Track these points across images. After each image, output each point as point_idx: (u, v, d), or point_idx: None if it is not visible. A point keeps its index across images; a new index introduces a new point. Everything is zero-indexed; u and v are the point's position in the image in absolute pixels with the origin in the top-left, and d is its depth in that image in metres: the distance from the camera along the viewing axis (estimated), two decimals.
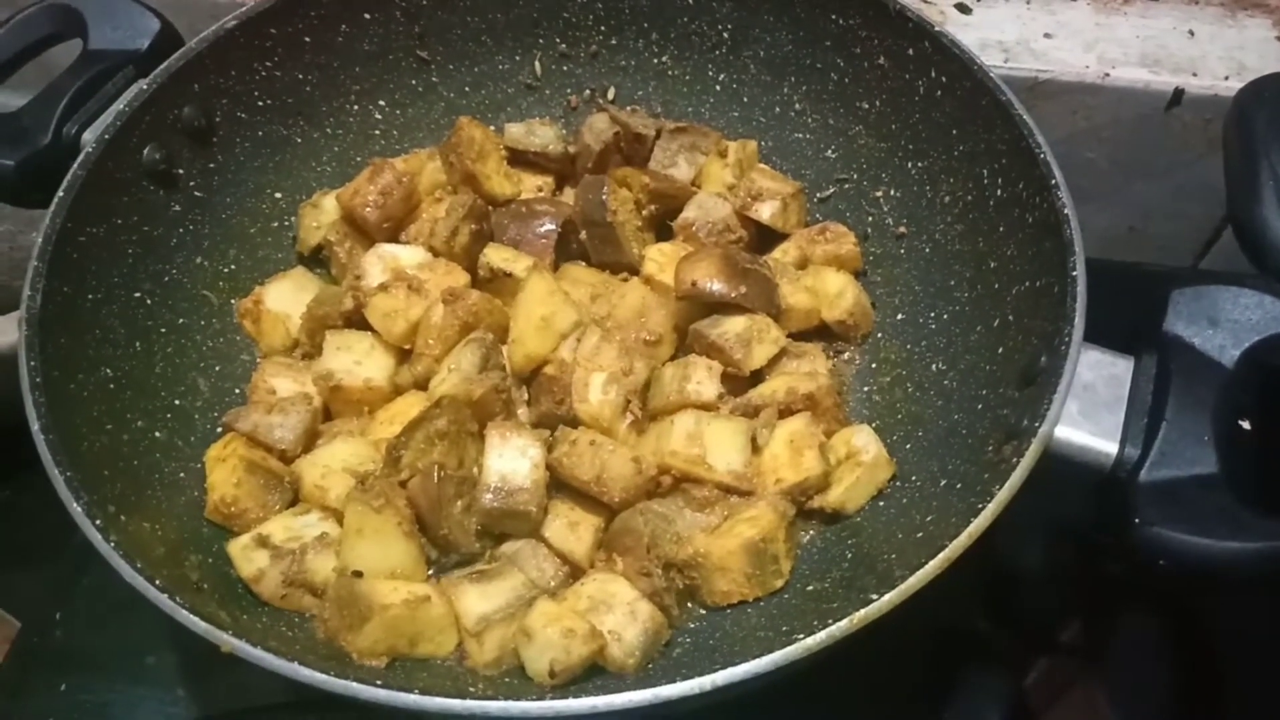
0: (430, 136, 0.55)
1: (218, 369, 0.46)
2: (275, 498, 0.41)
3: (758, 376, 0.45)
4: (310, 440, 0.43)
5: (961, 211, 0.46)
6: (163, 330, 0.45)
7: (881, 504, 0.43)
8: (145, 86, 0.46)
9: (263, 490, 0.40)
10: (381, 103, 0.53)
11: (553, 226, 0.49)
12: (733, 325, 0.44)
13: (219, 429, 0.44)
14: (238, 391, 0.46)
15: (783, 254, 0.49)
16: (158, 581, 0.34)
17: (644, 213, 0.50)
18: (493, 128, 0.53)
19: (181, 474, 0.42)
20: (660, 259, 0.47)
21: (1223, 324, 0.37)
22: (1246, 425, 0.45)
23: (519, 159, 0.53)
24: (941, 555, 0.33)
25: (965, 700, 0.47)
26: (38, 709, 0.46)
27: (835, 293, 0.47)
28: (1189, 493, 0.34)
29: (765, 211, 0.49)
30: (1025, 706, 0.48)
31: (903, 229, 0.49)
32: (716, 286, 0.45)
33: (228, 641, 0.32)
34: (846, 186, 0.52)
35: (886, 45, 0.48)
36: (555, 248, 0.48)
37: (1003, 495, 0.34)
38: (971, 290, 0.45)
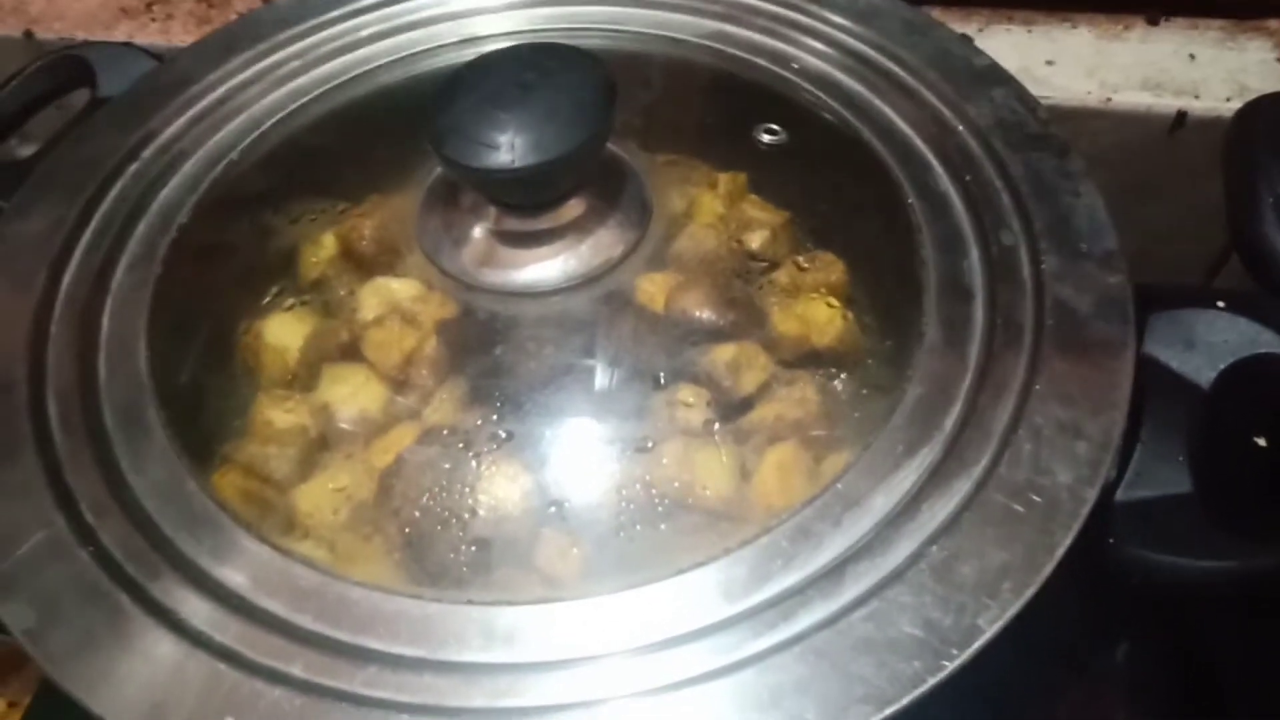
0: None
1: (219, 400, 0.46)
2: (270, 526, 0.43)
3: (748, 403, 0.47)
4: (306, 470, 0.44)
5: None
6: None
7: None
8: None
9: (258, 519, 0.42)
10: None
11: None
12: (722, 353, 0.46)
13: (219, 459, 0.44)
14: (236, 423, 0.46)
15: (772, 283, 0.50)
16: None
17: None
18: None
19: None
20: (651, 288, 0.48)
21: (1199, 347, 0.39)
22: (1262, 442, 0.45)
23: None
24: None
25: None
26: None
27: (825, 320, 0.48)
28: (1163, 512, 0.36)
29: (755, 241, 0.51)
30: None
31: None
32: (706, 314, 0.46)
33: None
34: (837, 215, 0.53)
35: None
36: None
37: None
38: None
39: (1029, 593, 0.30)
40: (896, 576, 0.31)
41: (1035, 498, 0.32)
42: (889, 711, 0.29)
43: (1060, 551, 0.31)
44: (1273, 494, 0.41)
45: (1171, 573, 0.35)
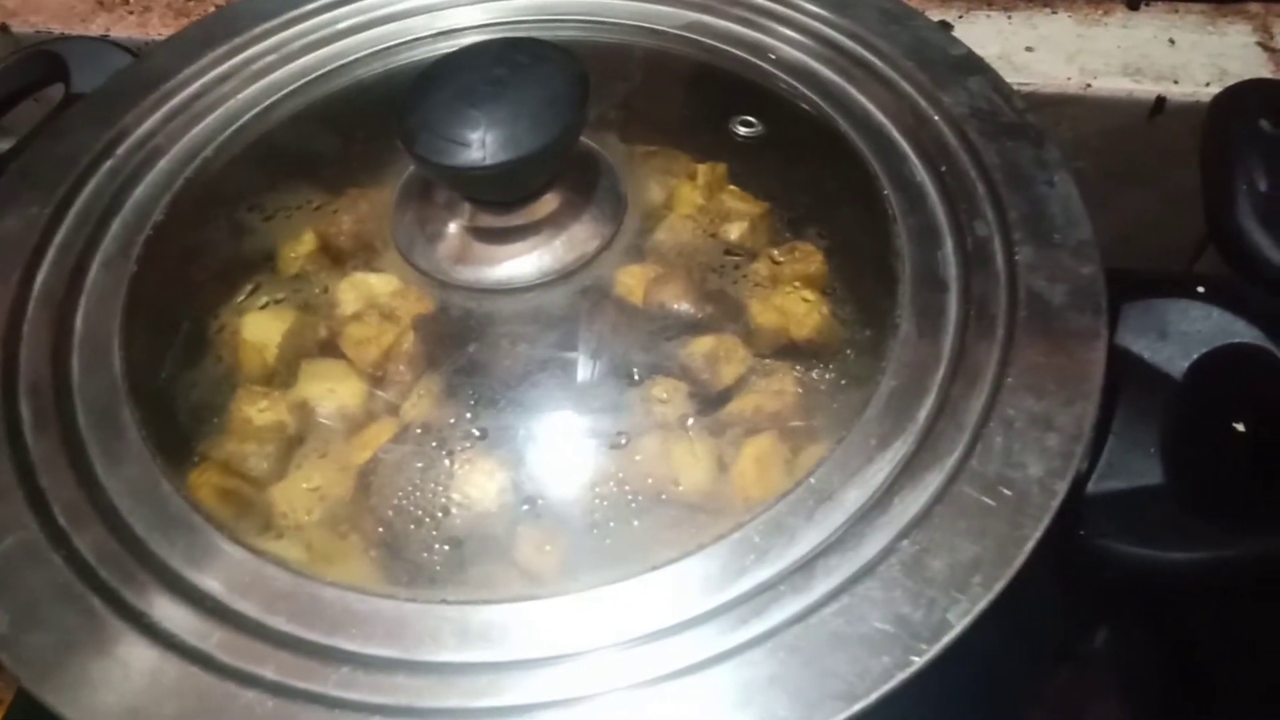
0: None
1: (194, 398, 0.46)
2: (247, 524, 0.43)
3: (725, 396, 0.47)
4: (284, 467, 0.44)
5: None
6: None
7: None
8: None
9: (235, 517, 0.42)
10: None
11: None
12: (700, 345, 0.46)
13: (196, 457, 0.44)
14: (215, 420, 0.46)
15: (751, 274, 0.50)
16: None
17: None
18: None
19: None
20: (630, 280, 0.48)
21: (1171, 336, 0.39)
22: (1241, 428, 0.46)
23: None
24: None
25: None
26: None
27: (803, 311, 0.48)
28: (1135, 504, 0.36)
29: (734, 232, 0.50)
30: None
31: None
32: (685, 307, 0.46)
33: None
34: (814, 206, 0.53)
35: None
36: None
37: None
38: None
39: (998, 587, 0.30)
40: (867, 571, 0.32)
41: (1006, 491, 0.32)
42: (859, 707, 0.29)
43: (1030, 545, 0.31)
44: (1246, 484, 0.41)
45: (1143, 564, 0.35)
